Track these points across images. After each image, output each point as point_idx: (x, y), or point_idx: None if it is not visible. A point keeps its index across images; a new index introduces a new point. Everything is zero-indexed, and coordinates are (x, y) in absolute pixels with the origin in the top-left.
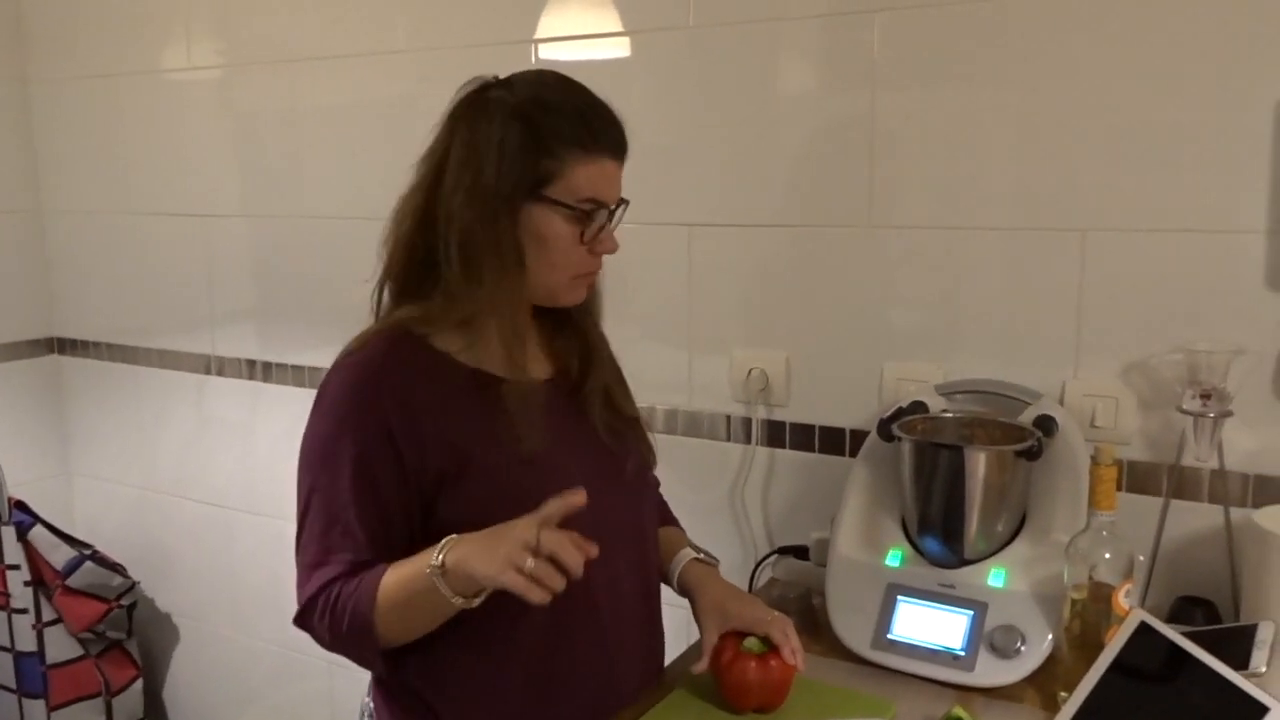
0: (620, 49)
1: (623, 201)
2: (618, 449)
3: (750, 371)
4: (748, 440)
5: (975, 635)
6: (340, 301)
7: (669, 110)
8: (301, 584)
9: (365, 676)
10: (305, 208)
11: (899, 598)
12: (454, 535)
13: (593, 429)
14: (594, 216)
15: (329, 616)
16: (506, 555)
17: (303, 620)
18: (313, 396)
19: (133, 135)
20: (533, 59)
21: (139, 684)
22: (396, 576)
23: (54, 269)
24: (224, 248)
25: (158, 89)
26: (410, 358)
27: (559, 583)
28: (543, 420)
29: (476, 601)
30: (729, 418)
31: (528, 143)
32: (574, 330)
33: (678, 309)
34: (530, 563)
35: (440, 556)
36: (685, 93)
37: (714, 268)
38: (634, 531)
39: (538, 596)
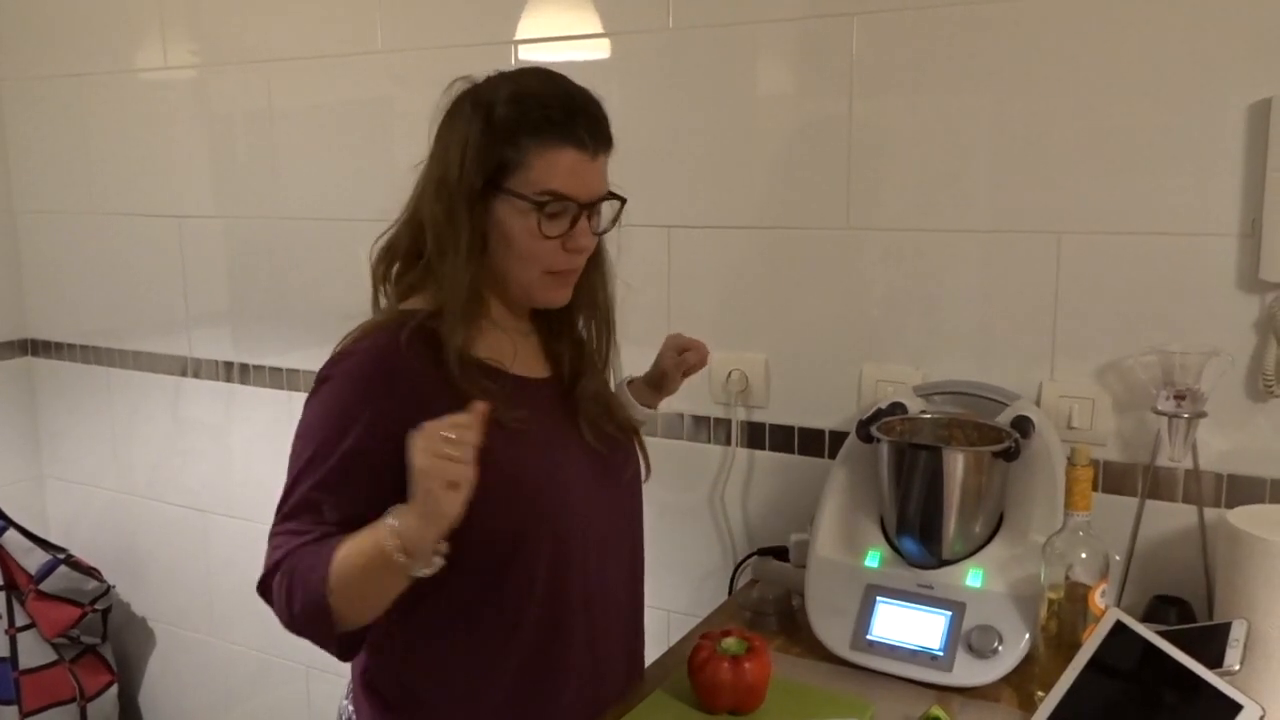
0: (600, 51)
1: (613, 198)
2: (609, 454)
3: (730, 373)
4: (727, 442)
5: (953, 635)
6: (317, 303)
7: (648, 112)
8: (271, 541)
9: (343, 680)
10: (281, 209)
11: (878, 598)
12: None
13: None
14: (555, 210)
15: (287, 580)
16: (424, 467)
17: (265, 585)
18: (289, 398)
19: (107, 135)
20: (512, 60)
21: (114, 690)
22: (348, 548)
23: (27, 270)
24: (199, 249)
25: (133, 88)
26: (420, 347)
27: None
28: (547, 414)
29: (428, 570)
30: (709, 419)
31: (487, 134)
32: (569, 335)
33: (657, 310)
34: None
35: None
36: (665, 95)
37: (693, 269)
38: (626, 535)
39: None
